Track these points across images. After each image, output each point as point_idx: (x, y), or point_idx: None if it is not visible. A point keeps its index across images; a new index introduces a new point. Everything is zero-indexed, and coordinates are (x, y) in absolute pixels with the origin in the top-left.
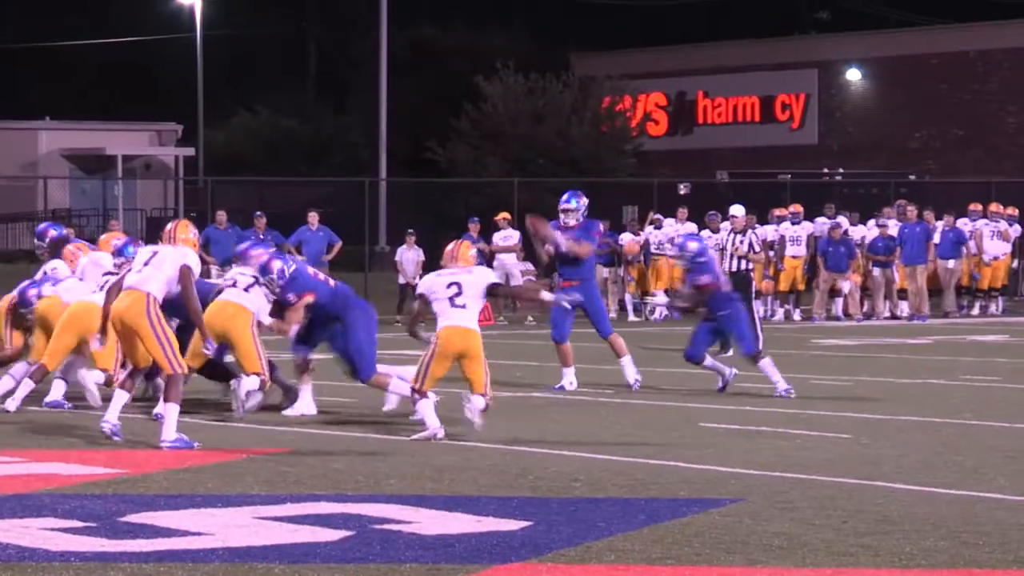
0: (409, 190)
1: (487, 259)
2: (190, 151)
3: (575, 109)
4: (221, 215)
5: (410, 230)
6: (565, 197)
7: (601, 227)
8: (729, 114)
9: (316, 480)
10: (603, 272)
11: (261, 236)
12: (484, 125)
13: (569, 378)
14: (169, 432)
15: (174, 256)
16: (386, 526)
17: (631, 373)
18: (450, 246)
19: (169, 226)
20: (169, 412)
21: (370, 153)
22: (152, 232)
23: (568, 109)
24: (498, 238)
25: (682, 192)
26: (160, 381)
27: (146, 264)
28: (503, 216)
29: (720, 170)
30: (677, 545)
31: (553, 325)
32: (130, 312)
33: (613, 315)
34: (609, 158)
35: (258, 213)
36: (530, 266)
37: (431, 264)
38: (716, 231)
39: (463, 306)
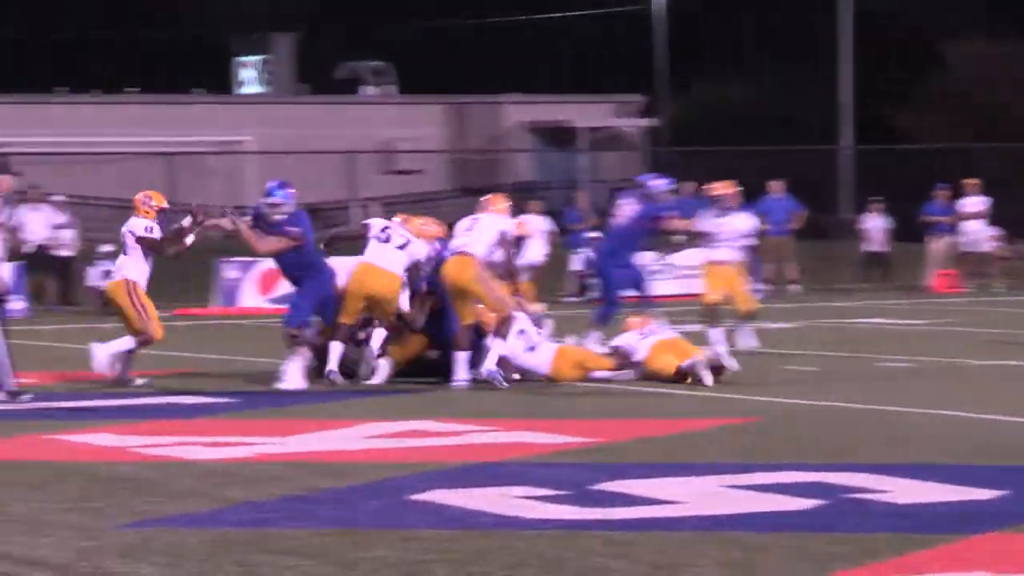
0: (870, 157)
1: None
2: (653, 122)
3: None
4: (688, 186)
5: (876, 198)
6: None
7: None
8: None
9: (782, 449)
10: None
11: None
12: (948, 91)
13: None
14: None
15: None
16: (858, 495)
17: None
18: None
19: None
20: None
21: (829, 121)
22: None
23: None
24: (966, 204)
25: None
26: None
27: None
28: (970, 182)
29: None
30: None
31: None
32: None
33: None
34: None
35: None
36: (999, 231)
37: (899, 231)
38: None
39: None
